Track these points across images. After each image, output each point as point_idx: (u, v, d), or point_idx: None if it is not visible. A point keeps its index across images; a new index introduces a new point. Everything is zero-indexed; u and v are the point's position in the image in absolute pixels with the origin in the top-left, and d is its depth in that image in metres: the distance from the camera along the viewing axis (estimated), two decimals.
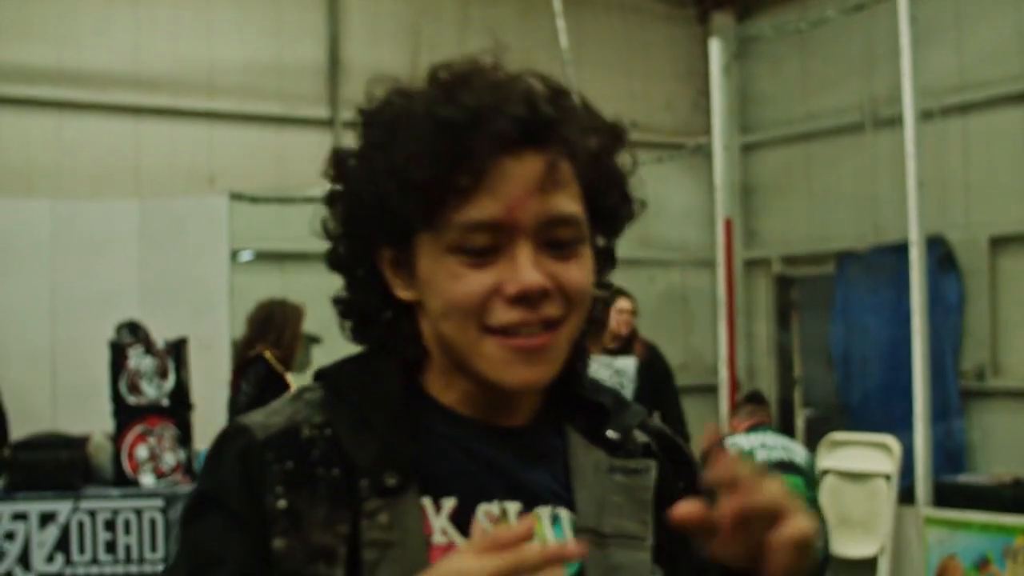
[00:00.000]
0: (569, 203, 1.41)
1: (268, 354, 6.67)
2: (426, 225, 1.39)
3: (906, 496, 6.77)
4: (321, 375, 1.51)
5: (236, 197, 9.25)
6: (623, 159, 1.49)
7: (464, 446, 1.45)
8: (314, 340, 8.12)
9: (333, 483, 1.38)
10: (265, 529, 1.37)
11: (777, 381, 11.55)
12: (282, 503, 1.37)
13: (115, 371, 7.20)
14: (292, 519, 1.37)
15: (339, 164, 1.48)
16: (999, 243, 10.14)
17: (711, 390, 10.10)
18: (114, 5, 9.70)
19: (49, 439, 7.19)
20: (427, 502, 1.41)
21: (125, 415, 7.17)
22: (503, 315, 1.37)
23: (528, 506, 1.45)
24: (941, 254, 9.37)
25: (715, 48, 8.53)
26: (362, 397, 1.44)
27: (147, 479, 7.12)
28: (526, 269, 1.37)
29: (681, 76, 11.77)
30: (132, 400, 7.18)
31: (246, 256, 9.84)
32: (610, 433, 1.53)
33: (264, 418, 1.45)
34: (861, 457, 7.06)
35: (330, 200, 1.50)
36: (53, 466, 6.89)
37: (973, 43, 10.12)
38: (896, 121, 9.75)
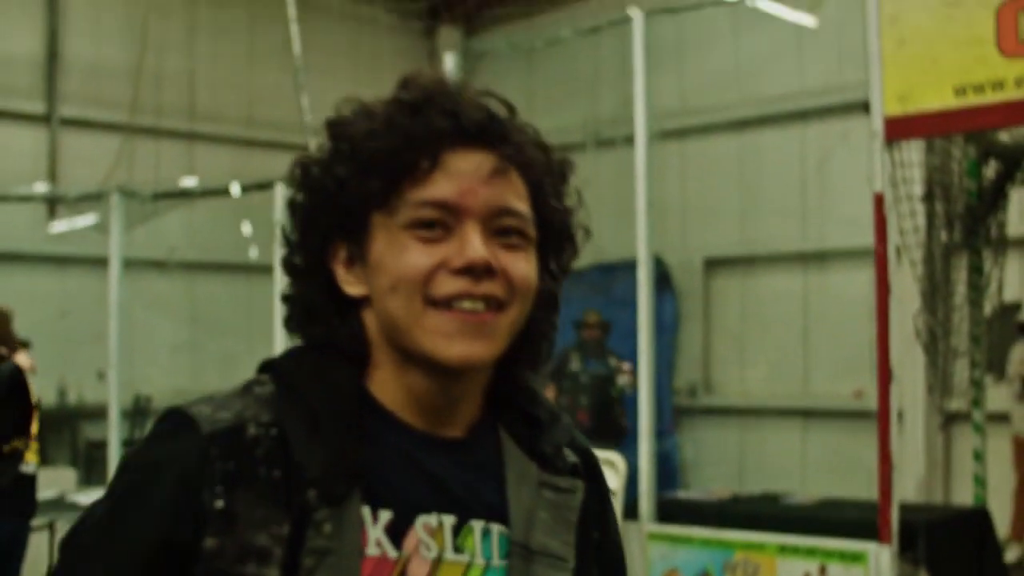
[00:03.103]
0: (516, 199, 1.47)
1: None
2: (383, 204, 1.44)
3: (629, 512, 6.90)
4: (270, 368, 1.52)
5: None
6: (569, 196, 1.55)
7: (407, 455, 1.46)
8: (24, 344, 7.77)
9: (273, 484, 1.38)
10: (195, 527, 1.36)
11: None
12: (219, 503, 1.36)
13: None
14: (227, 519, 1.36)
15: (302, 170, 1.51)
16: (713, 265, 10.53)
17: None
18: None
19: None
20: (366, 512, 1.41)
21: None
22: (447, 285, 1.41)
23: (464, 519, 1.46)
24: (658, 275, 9.62)
25: (449, 62, 8.52)
26: (315, 398, 1.44)
27: None
28: (473, 243, 1.41)
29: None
30: None
31: None
32: (544, 447, 1.54)
33: (212, 411, 1.43)
34: None
35: (291, 206, 1.53)
36: None
37: (694, 71, 10.47)
38: (618, 142, 10.01)
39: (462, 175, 1.44)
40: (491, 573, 1.47)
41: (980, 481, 7.55)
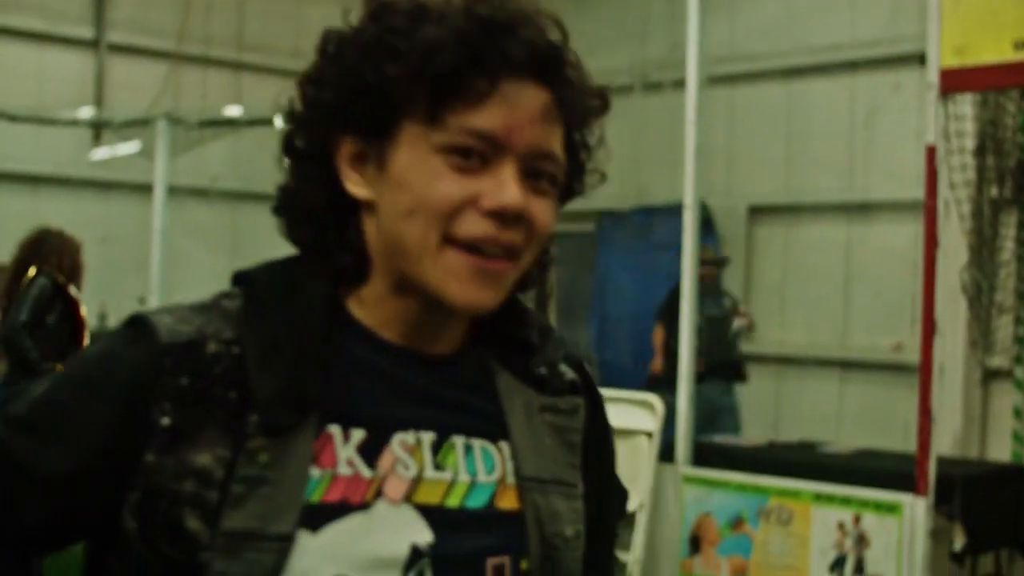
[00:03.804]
0: (558, 144, 1.40)
1: (49, 271, 6.49)
2: (425, 118, 1.34)
3: (665, 454, 6.91)
4: (241, 279, 1.44)
5: None
6: (599, 128, 1.49)
7: (383, 371, 1.40)
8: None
9: (227, 405, 1.32)
10: (137, 440, 1.31)
11: None
12: (165, 420, 1.31)
13: None
14: (172, 436, 1.31)
15: (334, 45, 1.41)
16: (756, 212, 10.49)
17: None
18: None
19: None
20: (336, 430, 1.36)
21: None
22: (473, 226, 1.34)
23: (444, 435, 1.41)
24: (701, 220, 9.59)
25: None
26: (280, 316, 1.37)
27: None
28: (510, 187, 1.34)
29: None
30: None
31: None
32: (539, 369, 1.50)
33: (173, 321, 1.37)
34: (624, 414, 7.15)
35: (309, 80, 1.42)
36: None
37: (745, 16, 10.38)
38: (665, 86, 9.95)
39: (514, 109, 1.35)
40: (477, 490, 1.42)
41: (1020, 438, 7.53)
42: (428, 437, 1.40)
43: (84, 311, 6.74)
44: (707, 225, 9.88)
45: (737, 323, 10.09)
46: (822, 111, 10.31)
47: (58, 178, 10.49)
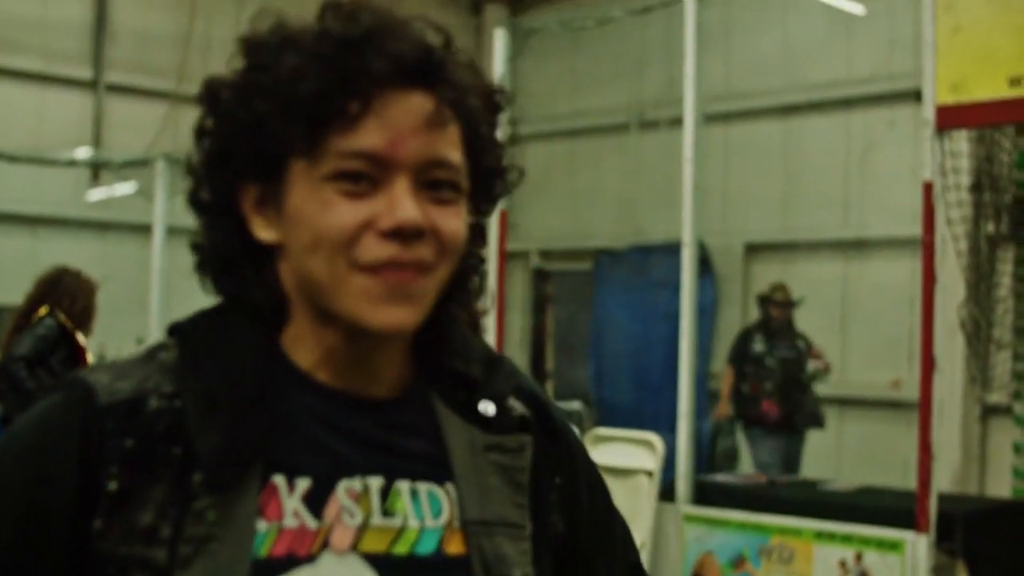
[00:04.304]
0: (451, 149, 1.34)
1: (58, 313, 6.51)
2: (305, 151, 1.30)
3: (666, 493, 6.90)
4: (175, 331, 1.39)
5: None
6: (499, 127, 1.43)
7: (324, 418, 1.36)
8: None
9: (172, 462, 1.28)
10: (84, 508, 1.26)
11: (529, 373, 11.63)
12: (112, 485, 1.27)
13: None
14: (118, 500, 1.27)
15: (212, 93, 1.36)
16: (753, 250, 10.50)
17: None
18: None
19: None
20: (280, 481, 1.32)
21: None
22: (375, 250, 1.30)
23: (391, 480, 1.37)
24: (698, 258, 9.62)
25: (500, 39, 8.50)
26: (216, 366, 1.33)
27: None
28: (404, 203, 1.29)
29: None
30: None
31: None
32: (483, 407, 1.44)
33: (110, 380, 1.32)
34: (624, 453, 7.15)
35: (199, 133, 1.37)
36: None
37: (741, 54, 10.43)
38: (661, 124, 9.99)
39: (394, 122, 1.30)
40: (426, 535, 1.37)
41: (1020, 474, 7.52)
42: (376, 483, 1.36)
43: (90, 359, 6.75)
44: (704, 263, 9.91)
45: (812, 366, 9.79)
46: (818, 148, 10.35)
47: (57, 219, 10.50)
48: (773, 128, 10.51)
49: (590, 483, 1.56)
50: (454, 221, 1.34)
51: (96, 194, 10.89)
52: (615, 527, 1.60)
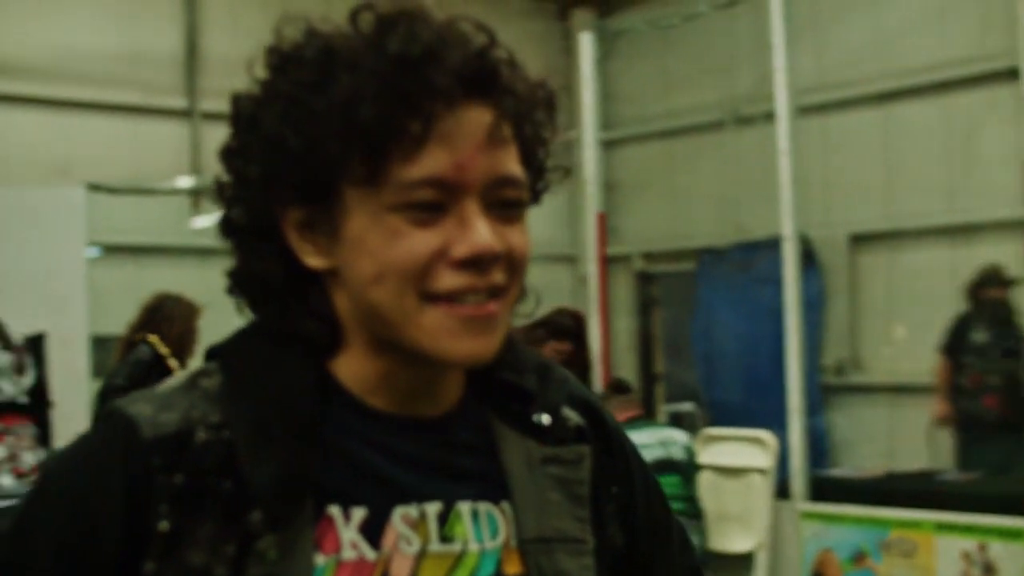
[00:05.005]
0: (514, 163, 1.28)
1: (153, 339, 6.55)
2: (365, 180, 1.22)
3: (780, 491, 6.82)
4: (216, 354, 1.33)
5: (94, 188, 8.94)
6: (550, 123, 1.36)
7: (377, 443, 1.30)
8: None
9: (223, 497, 1.22)
10: (134, 550, 1.21)
11: (639, 377, 11.61)
12: (164, 524, 1.21)
13: None
14: (171, 540, 1.21)
15: (246, 112, 1.29)
16: (858, 241, 10.35)
17: None
18: None
19: None
20: (336, 511, 1.26)
21: None
22: (449, 280, 1.22)
23: (450, 504, 1.31)
24: (802, 252, 9.49)
25: (586, 42, 8.50)
26: (266, 394, 1.26)
27: (6, 480, 6.83)
28: (479, 230, 1.22)
29: (543, 72, 11.67)
30: None
31: (92, 252, 9.42)
32: (538, 418, 1.38)
33: (154, 411, 1.25)
34: (736, 452, 7.09)
35: (228, 154, 1.30)
36: None
37: (833, 44, 10.30)
38: (756, 119, 9.89)
39: (457, 142, 1.22)
40: (486, 557, 1.31)
41: None
42: (433, 508, 1.30)
43: None
44: (808, 256, 9.79)
45: None
46: (918, 133, 10.17)
47: (159, 247, 10.64)
48: (871, 116, 10.35)
49: (646, 488, 1.50)
50: (522, 239, 1.29)
51: (199, 222, 11.03)
52: (672, 532, 1.54)
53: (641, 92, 11.66)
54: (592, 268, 8.79)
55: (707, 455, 7.04)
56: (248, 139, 1.28)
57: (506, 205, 1.27)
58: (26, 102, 9.61)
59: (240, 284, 1.33)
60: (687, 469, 6.33)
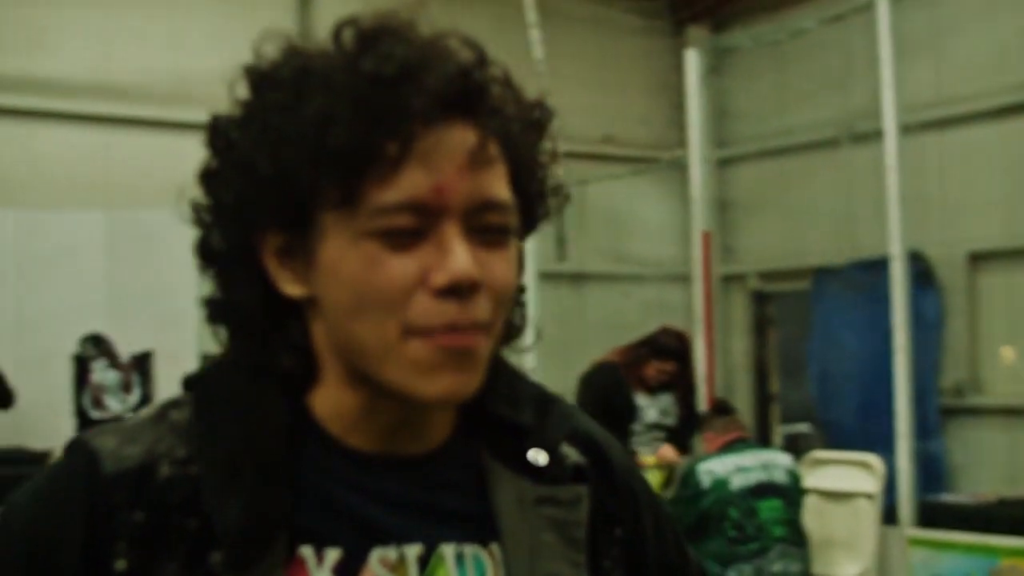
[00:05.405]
0: (500, 186, 1.21)
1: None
2: (340, 204, 1.17)
3: (889, 516, 6.66)
4: (191, 385, 1.28)
5: None
6: (546, 145, 1.30)
7: (355, 484, 1.24)
8: None
9: (187, 536, 1.17)
10: None
11: (754, 398, 11.45)
12: (121, 564, 1.16)
13: (78, 385, 7.05)
14: None
15: (220, 134, 1.25)
16: (978, 259, 10.10)
17: None
18: (84, 13, 9.54)
19: (11, 454, 7.01)
20: (308, 553, 1.20)
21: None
22: (430, 314, 1.17)
23: (432, 546, 1.25)
24: (919, 270, 9.28)
25: (692, 59, 8.42)
26: (236, 429, 1.21)
27: None
28: (458, 256, 1.16)
29: (655, 89, 11.65)
30: (96, 414, 7.04)
31: None
32: (533, 456, 1.31)
33: (117, 444, 1.21)
34: (843, 476, 6.93)
35: (206, 177, 1.26)
36: (15, 482, 6.69)
37: (950, 58, 10.08)
38: (872, 136, 9.71)
39: (437, 163, 1.16)
40: None
41: None
42: (413, 551, 1.24)
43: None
44: (926, 276, 9.58)
45: None
46: None
47: None
48: (989, 131, 10.08)
49: (657, 528, 1.43)
50: (506, 268, 1.22)
51: None
52: (688, 570, 1.47)
53: (756, 110, 11.51)
54: (698, 287, 8.68)
55: (813, 479, 6.90)
56: (223, 162, 1.24)
57: (490, 231, 1.20)
58: (143, 125, 9.77)
59: (216, 312, 1.28)
60: (790, 493, 6.22)
